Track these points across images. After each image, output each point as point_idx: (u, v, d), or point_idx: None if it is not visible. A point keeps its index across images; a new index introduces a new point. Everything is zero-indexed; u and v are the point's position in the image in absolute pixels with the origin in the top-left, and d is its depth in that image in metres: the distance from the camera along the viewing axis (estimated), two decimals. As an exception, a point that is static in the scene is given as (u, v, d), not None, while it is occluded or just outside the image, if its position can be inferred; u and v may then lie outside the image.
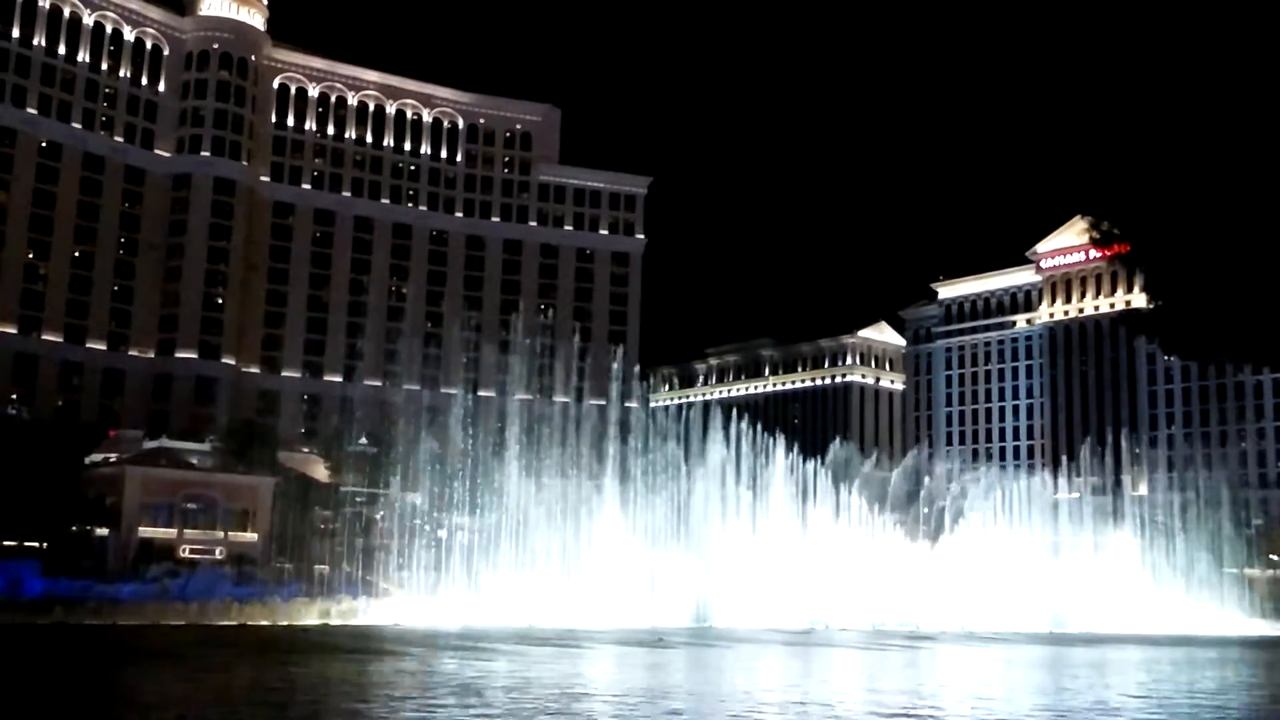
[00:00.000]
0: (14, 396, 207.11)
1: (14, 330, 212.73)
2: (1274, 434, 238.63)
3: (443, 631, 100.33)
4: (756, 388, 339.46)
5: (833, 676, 64.23)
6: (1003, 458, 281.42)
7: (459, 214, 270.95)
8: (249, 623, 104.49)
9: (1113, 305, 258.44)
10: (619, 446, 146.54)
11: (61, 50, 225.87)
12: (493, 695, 45.99)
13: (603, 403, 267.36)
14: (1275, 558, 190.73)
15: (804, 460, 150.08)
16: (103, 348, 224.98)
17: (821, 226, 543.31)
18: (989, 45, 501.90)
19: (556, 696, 46.59)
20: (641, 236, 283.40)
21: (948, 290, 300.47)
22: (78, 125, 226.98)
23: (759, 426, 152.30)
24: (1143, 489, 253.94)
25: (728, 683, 58.03)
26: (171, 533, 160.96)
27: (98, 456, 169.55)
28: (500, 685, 51.15)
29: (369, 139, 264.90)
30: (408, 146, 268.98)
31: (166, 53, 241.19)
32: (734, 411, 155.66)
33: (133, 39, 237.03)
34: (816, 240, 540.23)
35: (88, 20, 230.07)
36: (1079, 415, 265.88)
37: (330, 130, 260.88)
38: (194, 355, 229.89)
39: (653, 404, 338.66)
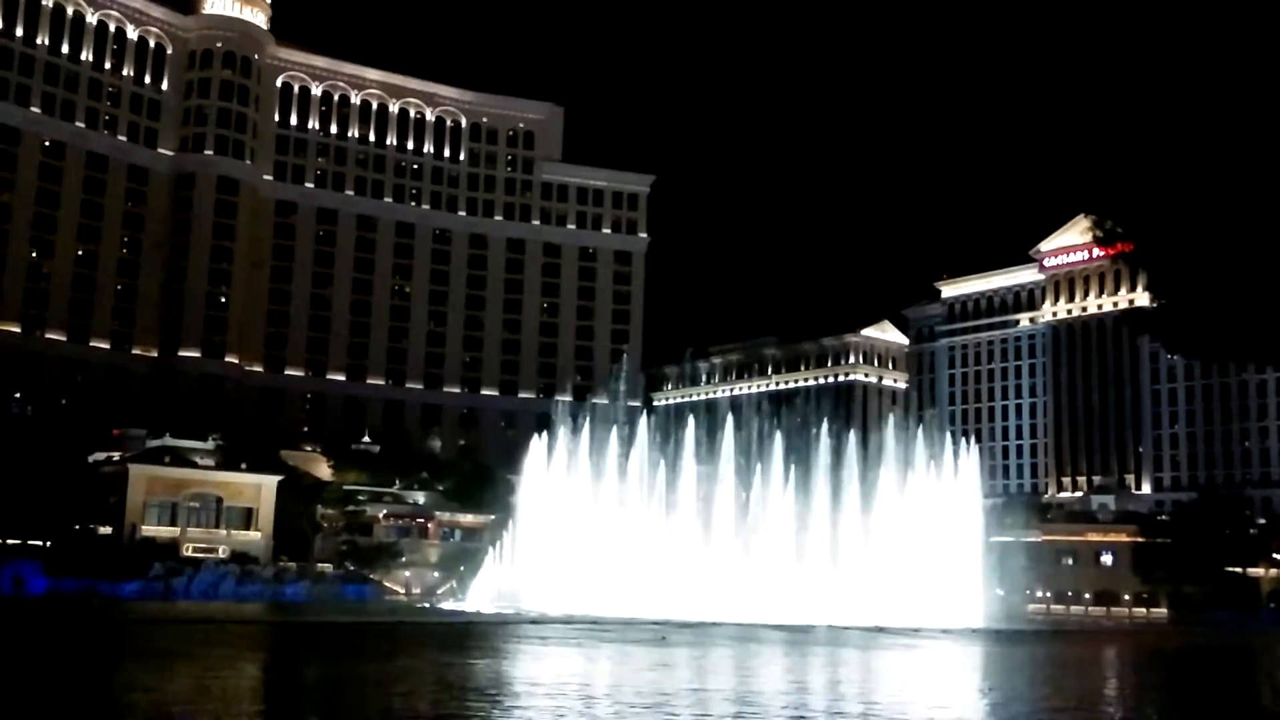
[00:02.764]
0: (17, 395, 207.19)
1: (18, 329, 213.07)
2: (1276, 433, 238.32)
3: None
4: (760, 386, 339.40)
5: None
6: (1005, 456, 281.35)
7: (462, 213, 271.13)
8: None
9: (1116, 304, 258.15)
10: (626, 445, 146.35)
11: (65, 49, 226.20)
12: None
13: (606, 401, 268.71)
14: (1279, 557, 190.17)
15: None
16: (106, 346, 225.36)
17: (825, 225, 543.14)
18: (992, 44, 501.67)
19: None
20: (644, 235, 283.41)
21: (951, 289, 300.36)
22: (81, 124, 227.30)
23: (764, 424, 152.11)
24: (1145, 488, 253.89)
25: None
26: (175, 531, 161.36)
27: (101, 455, 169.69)
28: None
29: (372, 138, 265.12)
30: (410, 145, 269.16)
31: (170, 51, 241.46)
32: (739, 409, 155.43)
33: (136, 38, 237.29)
34: (820, 239, 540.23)
35: (91, 19, 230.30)
36: (1082, 414, 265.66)
37: (333, 129, 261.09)
38: (197, 354, 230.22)
39: (656, 403, 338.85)
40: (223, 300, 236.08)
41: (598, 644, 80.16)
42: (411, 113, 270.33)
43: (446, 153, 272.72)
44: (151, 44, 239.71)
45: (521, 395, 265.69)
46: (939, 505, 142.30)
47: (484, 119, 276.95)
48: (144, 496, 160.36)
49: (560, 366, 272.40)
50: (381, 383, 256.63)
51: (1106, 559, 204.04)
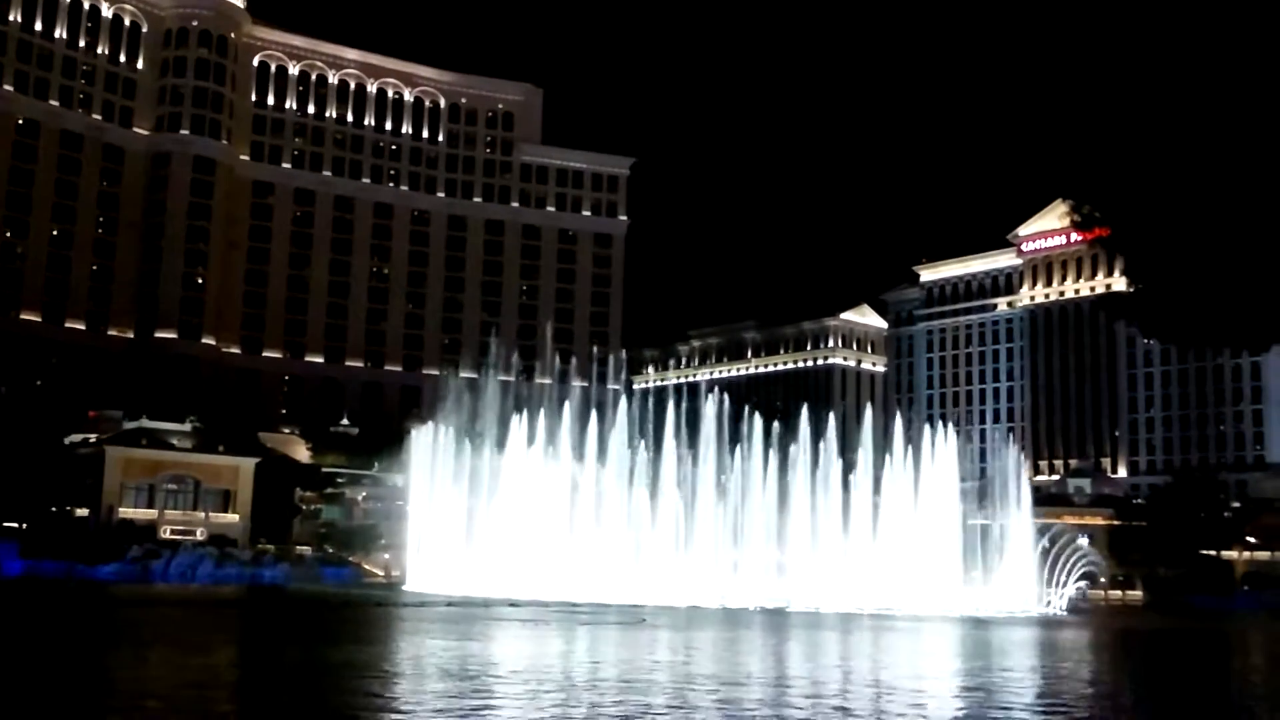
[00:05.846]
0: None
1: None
2: (1251, 417, 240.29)
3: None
4: (739, 370, 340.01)
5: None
6: (983, 440, 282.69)
7: (440, 194, 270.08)
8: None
9: (1093, 289, 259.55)
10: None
11: (38, 26, 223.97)
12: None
13: (585, 384, 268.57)
14: (1253, 540, 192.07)
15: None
16: (82, 327, 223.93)
17: (804, 209, 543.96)
18: (969, 28, 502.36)
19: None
20: (624, 217, 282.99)
21: (929, 273, 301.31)
22: (55, 103, 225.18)
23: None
24: (1121, 471, 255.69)
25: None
26: (152, 513, 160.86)
27: (77, 437, 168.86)
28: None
29: (350, 118, 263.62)
30: (389, 126, 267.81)
31: (145, 29, 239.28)
32: (717, 392, 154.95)
33: (111, 15, 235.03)
34: (799, 222, 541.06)
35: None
36: (1059, 398, 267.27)
37: (310, 109, 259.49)
38: (174, 335, 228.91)
39: (635, 385, 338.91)
40: (199, 281, 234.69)
41: (577, 626, 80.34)
42: (390, 93, 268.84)
43: (425, 133, 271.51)
44: (127, 22, 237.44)
45: (501, 378, 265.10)
46: (917, 489, 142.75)
47: (463, 100, 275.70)
48: (121, 478, 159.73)
49: (540, 349, 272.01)
50: (360, 364, 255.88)
51: (1082, 542, 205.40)
